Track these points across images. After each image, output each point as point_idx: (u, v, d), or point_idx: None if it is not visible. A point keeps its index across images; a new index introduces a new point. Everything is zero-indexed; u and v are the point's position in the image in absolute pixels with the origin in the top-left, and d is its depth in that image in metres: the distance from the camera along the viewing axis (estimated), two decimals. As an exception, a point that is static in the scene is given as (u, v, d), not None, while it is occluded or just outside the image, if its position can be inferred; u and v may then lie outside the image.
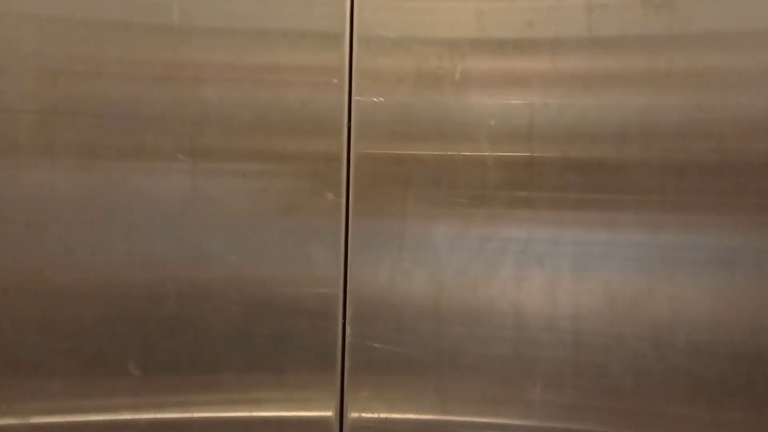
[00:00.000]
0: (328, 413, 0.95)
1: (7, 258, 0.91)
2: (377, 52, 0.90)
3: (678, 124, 0.89)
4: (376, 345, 0.93)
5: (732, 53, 0.88)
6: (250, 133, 0.90)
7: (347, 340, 0.93)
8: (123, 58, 0.89)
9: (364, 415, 0.95)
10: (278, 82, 0.90)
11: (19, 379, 0.93)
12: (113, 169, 0.91)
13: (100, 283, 0.92)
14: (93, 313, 0.92)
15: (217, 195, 0.91)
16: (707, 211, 0.90)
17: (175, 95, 0.90)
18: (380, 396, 0.95)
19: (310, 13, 0.89)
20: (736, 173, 0.89)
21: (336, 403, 0.95)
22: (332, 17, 0.89)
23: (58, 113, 0.89)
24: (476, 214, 0.91)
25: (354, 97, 0.90)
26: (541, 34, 0.89)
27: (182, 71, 0.89)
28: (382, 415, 0.96)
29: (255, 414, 0.95)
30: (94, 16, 0.89)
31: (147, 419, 0.95)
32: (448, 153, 0.90)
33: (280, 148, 0.91)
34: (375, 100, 0.90)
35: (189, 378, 0.94)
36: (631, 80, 0.89)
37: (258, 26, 0.89)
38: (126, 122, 0.90)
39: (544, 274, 0.92)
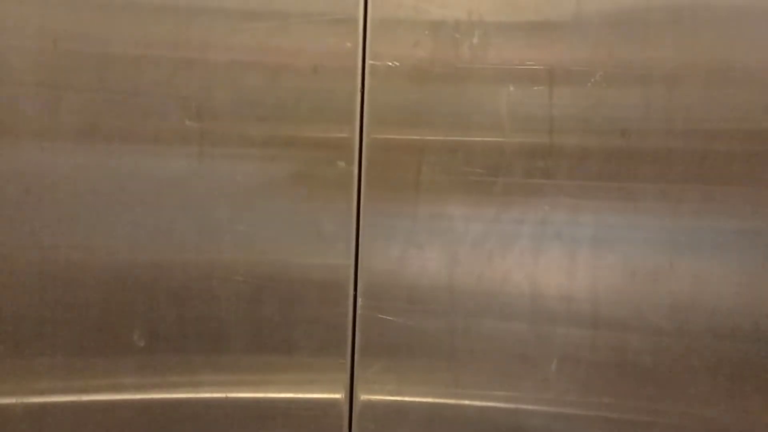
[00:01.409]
0: (338, 395, 0.93)
1: (8, 232, 0.88)
2: (392, 16, 0.87)
3: (702, 96, 0.86)
4: (388, 318, 0.90)
5: (760, 24, 0.85)
6: (259, 100, 0.87)
7: (358, 312, 0.90)
8: (128, 33, 0.86)
9: (374, 396, 0.93)
10: (288, 46, 0.87)
11: (21, 357, 0.91)
12: (119, 140, 0.88)
13: (105, 257, 0.90)
14: (98, 288, 0.90)
15: (225, 164, 0.88)
16: (730, 186, 0.87)
17: (182, 61, 0.87)
18: (392, 370, 0.92)
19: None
20: (761, 147, 0.86)
21: (346, 379, 0.92)
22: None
23: (61, 86, 0.87)
24: (493, 184, 0.88)
25: (368, 62, 0.87)
26: (562, -3, 0.86)
27: (189, 37, 0.87)
28: (391, 398, 0.93)
29: (263, 395, 0.93)
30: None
31: (153, 399, 0.92)
32: (465, 121, 0.88)
33: (290, 115, 0.88)
34: (390, 64, 0.87)
35: (196, 356, 0.92)
36: (656, 48, 0.86)
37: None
38: (131, 92, 0.87)
39: (562, 249, 0.89)
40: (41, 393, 0.92)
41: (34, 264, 0.89)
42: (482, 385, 0.92)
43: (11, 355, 0.90)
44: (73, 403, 0.92)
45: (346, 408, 0.93)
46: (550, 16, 0.86)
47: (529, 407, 0.92)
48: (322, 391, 0.93)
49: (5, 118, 0.87)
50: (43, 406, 0.92)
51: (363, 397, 0.93)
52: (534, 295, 0.89)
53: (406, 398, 0.93)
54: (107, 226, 0.89)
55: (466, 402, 0.92)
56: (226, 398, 0.92)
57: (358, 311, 0.90)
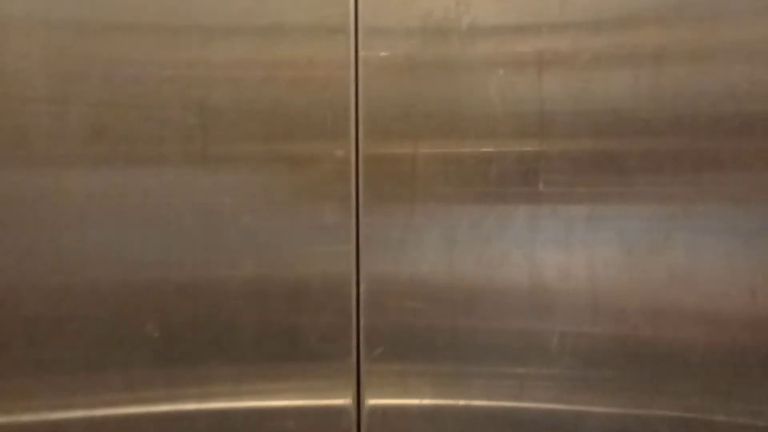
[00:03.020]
0: (346, 401, 0.94)
1: (19, 248, 0.91)
2: (382, 6, 0.89)
3: (690, 73, 0.88)
4: (391, 302, 0.92)
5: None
6: (258, 93, 0.90)
7: (361, 297, 0.92)
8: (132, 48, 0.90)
9: (381, 400, 0.94)
10: (284, 40, 0.89)
11: (34, 374, 0.92)
12: (125, 144, 0.90)
13: (114, 259, 0.91)
14: (107, 297, 0.91)
15: (228, 157, 0.91)
16: (722, 159, 0.88)
17: (183, 57, 0.90)
18: (396, 352, 0.93)
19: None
20: (749, 121, 0.87)
21: (353, 385, 0.93)
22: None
23: (69, 98, 0.90)
24: (487, 167, 0.90)
25: (360, 53, 0.89)
26: (548, -20, 0.88)
27: (188, 35, 0.90)
28: (398, 401, 0.94)
29: (273, 403, 0.95)
30: (100, 17, 0.89)
31: (162, 411, 0.94)
32: (457, 106, 0.90)
33: (288, 107, 0.90)
34: (381, 54, 0.89)
35: (208, 365, 0.93)
36: (644, 25, 0.87)
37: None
38: (136, 97, 0.90)
39: (558, 227, 0.90)
40: (50, 410, 0.93)
41: (46, 268, 0.91)
42: (486, 354, 0.93)
43: (21, 366, 0.92)
44: (84, 418, 0.93)
45: (354, 413, 0.94)
46: (536, 1, 0.88)
47: (533, 371, 0.92)
48: (330, 397, 0.94)
49: (19, 129, 0.89)
50: (53, 423, 0.93)
51: (370, 401, 0.94)
52: (533, 273, 0.91)
53: (413, 401, 0.94)
54: (115, 229, 0.91)
55: (472, 401, 0.94)
56: (237, 407, 0.94)
57: (362, 295, 0.92)
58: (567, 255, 0.90)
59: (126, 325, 0.92)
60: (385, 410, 0.94)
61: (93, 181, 0.90)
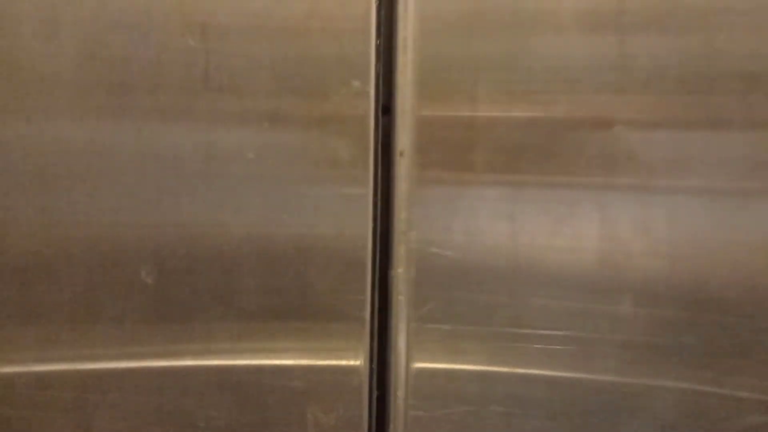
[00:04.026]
0: (358, 362, 0.86)
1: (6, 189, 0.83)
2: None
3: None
4: (412, 241, 0.83)
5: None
6: (270, 13, 0.80)
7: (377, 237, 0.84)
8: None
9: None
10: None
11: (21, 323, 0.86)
12: (121, 64, 0.81)
13: (113, 183, 0.83)
14: (106, 240, 0.84)
15: (233, 83, 0.81)
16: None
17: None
18: (444, 313, 0.85)
19: None
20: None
21: (366, 346, 0.86)
22: None
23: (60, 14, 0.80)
24: (556, 101, 0.80)
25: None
26: None
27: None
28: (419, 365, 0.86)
29: (280, 362, 0.88)
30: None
31: (168, 366, 0.87)
32: (524, 30, 0.80)
33: (302, 30, 0.80)
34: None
35: (204, 317, 0.86)
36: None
37: None
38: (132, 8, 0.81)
39: (635, 173, 0.81)
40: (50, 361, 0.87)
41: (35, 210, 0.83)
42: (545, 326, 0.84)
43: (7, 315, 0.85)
44: (87, 371, 0.87)
45: (366, 374, 0.87)
46: None
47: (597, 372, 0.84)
48: (340, 358, 0.87)
49: (8, 50, 0.80)
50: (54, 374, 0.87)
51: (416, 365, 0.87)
52: (604, 221, 0.82)
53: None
54: (107, 165, 0.83)
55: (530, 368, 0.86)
56: (244, 365, 0.87)
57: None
58: (644, 208, 0.81)
59: (119, 273, 0.85)
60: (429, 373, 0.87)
61: (84, 111, 0.82)
